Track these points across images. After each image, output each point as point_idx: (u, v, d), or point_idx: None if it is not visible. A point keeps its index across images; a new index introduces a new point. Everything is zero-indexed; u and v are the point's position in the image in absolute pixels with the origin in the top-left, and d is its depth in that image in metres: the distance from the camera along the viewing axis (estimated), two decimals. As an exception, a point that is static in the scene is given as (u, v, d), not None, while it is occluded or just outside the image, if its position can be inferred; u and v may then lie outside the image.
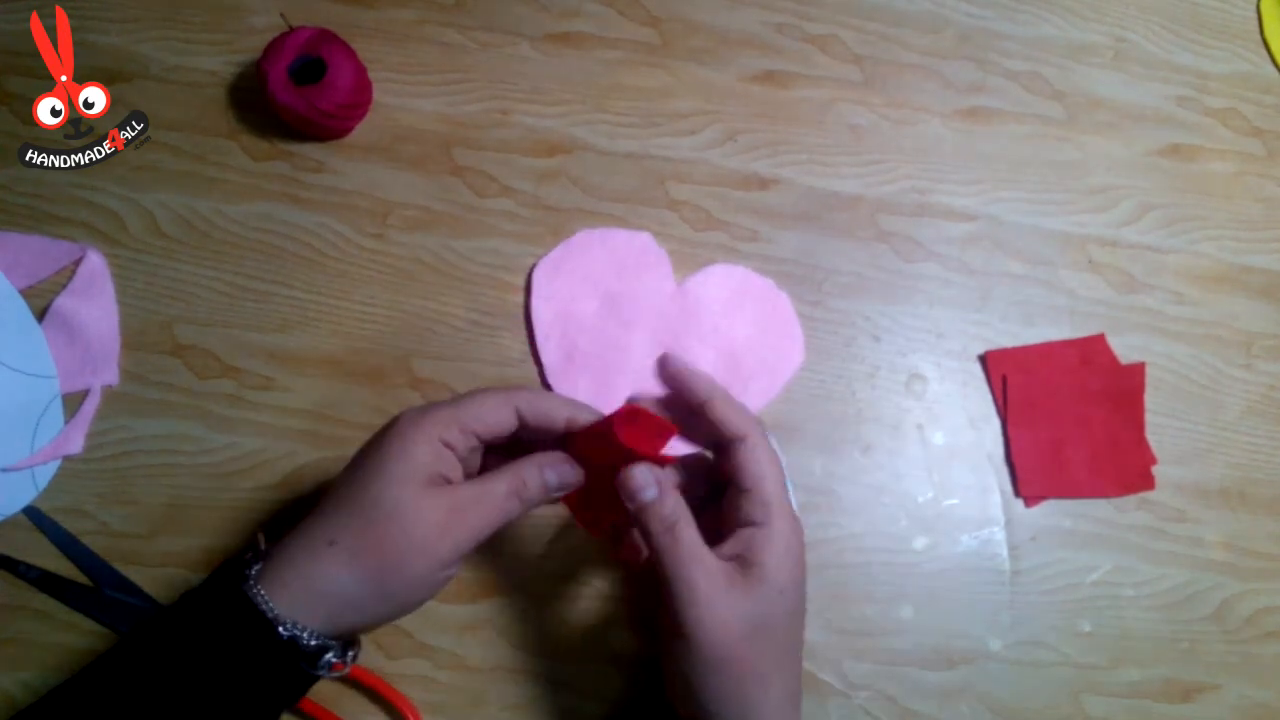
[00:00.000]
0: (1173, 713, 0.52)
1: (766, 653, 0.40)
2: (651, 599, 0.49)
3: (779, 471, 0.43)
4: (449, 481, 0.40)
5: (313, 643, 0.38)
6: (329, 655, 0.39)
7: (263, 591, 0.38)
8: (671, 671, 0.42)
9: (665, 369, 0.43)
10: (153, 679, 0.38)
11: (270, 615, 0.38)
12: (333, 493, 0.40)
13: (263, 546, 0.41)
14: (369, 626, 0.41)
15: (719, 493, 0.45)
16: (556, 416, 0.42)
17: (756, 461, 0.42)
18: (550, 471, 0.42)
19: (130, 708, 0.37)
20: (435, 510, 0.39)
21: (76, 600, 0.49)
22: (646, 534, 0.41)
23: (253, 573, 0.39)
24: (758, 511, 0.41)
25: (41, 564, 0.49)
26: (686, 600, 0.39)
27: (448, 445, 0.40)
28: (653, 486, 0.41)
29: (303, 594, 0.38)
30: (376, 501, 0.38)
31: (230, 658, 0.38)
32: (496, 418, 0.42)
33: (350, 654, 0.41)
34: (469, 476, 0.42)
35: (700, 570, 0.40)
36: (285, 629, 0.38)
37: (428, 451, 0.39)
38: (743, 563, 0.41)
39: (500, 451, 0.44)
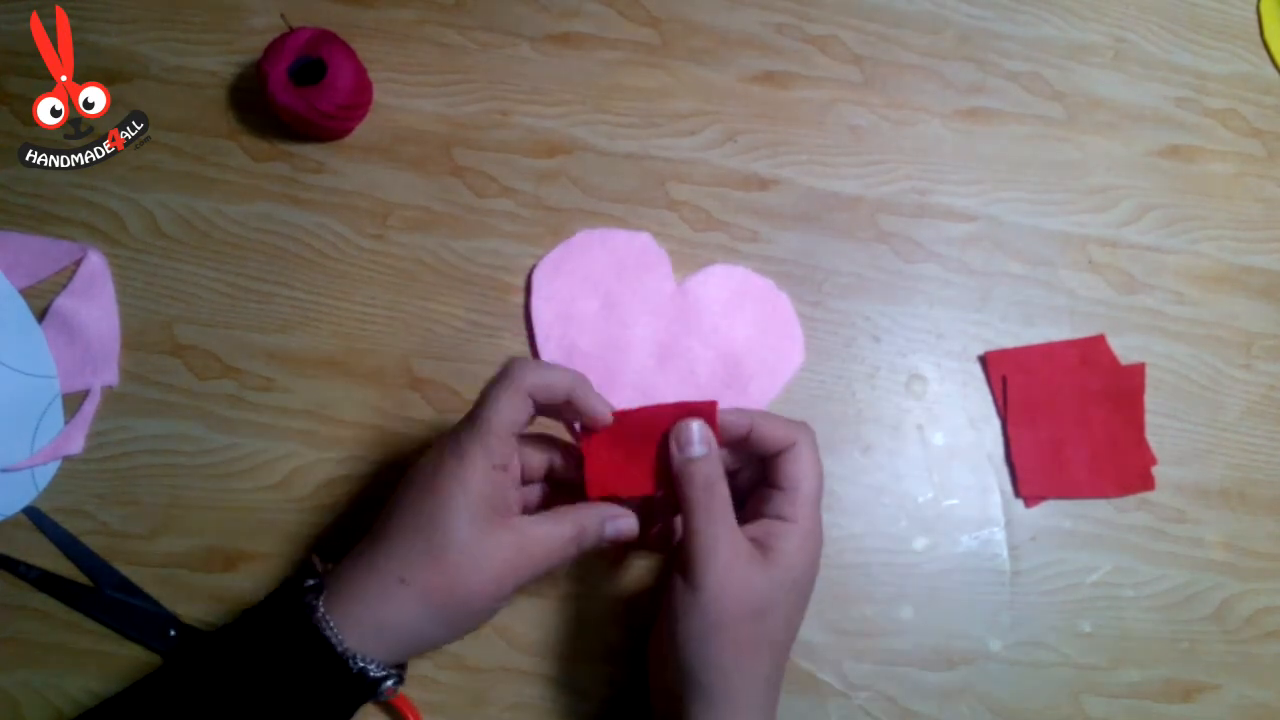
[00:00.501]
0: (1173, 713, 0.52)
1: (764, 633, 0.42)
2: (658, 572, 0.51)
3: (819, 479, 0.44)
4: (509, 507, 0.42)
5: (379, 674, 0.40)
6: (389, 683, 0.41)
7: (333, 624, 0.39)
8: (667, 633, 0.42)
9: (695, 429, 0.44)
10: (216, 704, 0.39)
11: (341, 649, 0.39)
12: (396, 524, 0.41)
13: (319, 569, 0.42)
14: (427, 650, 0.43)
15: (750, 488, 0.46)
16: (559, 390, 0.42)
17: (803, 466, 0.43)
18: (611, 525, 0.43)
19: None
20: (503, 549, 0.40)
21: (77, 600, 0.49)
22: (684, 488, 0.42)
23: (319, 604, 0.40)
24: (788, 509, 0.43)
25: (41, 564, 0.49)
26: (708, 557, 0.41)
27: (506, 469, 0.41)
28: (702, 444, 0.42)
29: (373, 629, 0.39)
30: (447, 540, 0.39)
31: (300, 687, 0.39)
32: (536, 459, 0.44)
33: (400, 674, 0.42)
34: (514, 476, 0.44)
35: (726, 533, 0.41)
36: (354, 663, 0.39)
37: (488, 480, 0.40)
38: (762, 546, 0.42)
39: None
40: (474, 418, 0.41)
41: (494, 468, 0.40)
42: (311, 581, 0.41)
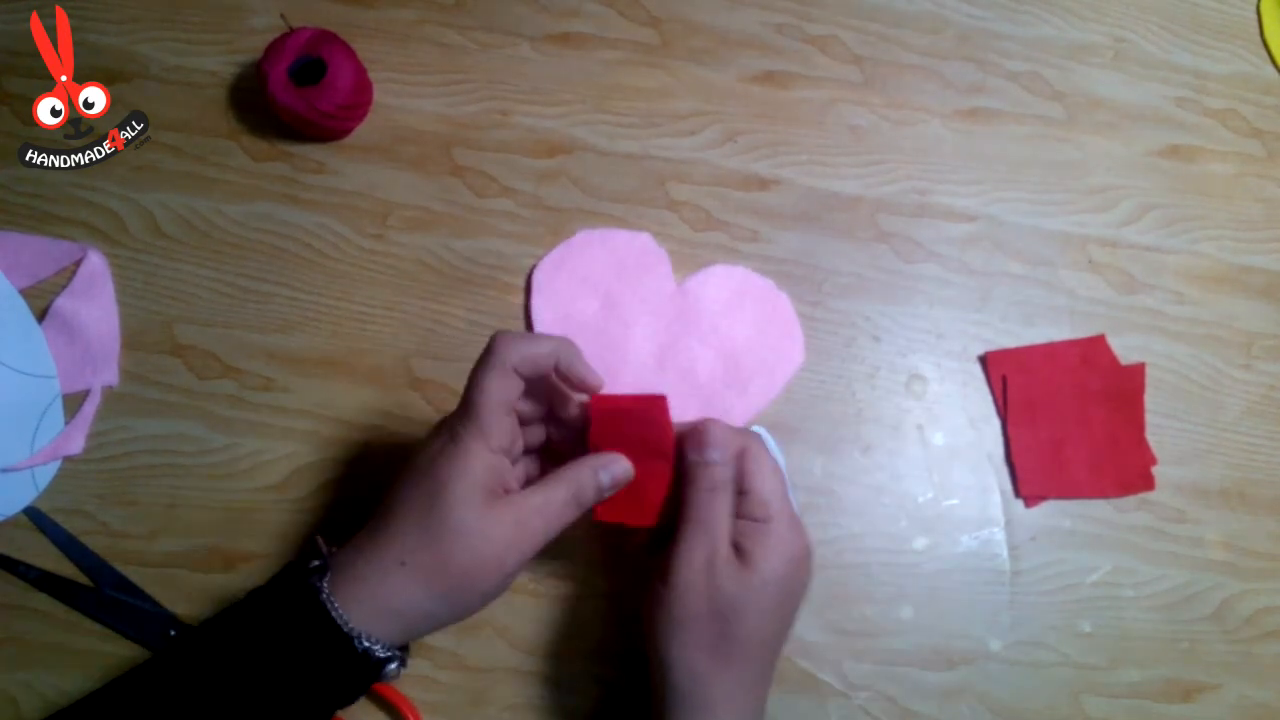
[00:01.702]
0: (1173, 713, 0.52)
1: (732, 637, 0.42)
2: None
3: (778, 477, 0.44)
4: (506, 489, 0.42)
5: (384, 655, 0.40)
6: (393, 665, 0.41)
7: (338, 605, 0.39)
8: (647, 622, 0.44)
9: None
10: (224, 680, 0.39)
11: (347, 629, 0.39)
12: (396, 509, 0.41)
13: (324, 551, 0.42)
14: (435, 630, 0.43)
15: None
16: (543, 361, 0.43)
17: (757, 467, 0.44)
18: (604, 473, 0.43)
19: (193, 707, 0.39)
20: (501, 526, 0.40)
21: (76, 600, 0.49)
22: (691, 482, 0.43)
23: (324, 585, 0.40)
24: (758, 510, 0.43)
25: (41, 564, 0.49)
26: (685, 556, 0.42)
27: (503, 450, 0.42)
28: (720, 450, 0.43)
29: (375, 611, 0.40)
30: (444, 523, 0.40)
31: (307, 667, 0.39)
32: (504, 394, 0.43)
33: (405, 657, 0.42)
34: (515, 456, 0.44)
35: (711, 536, 0.42)
36: (360, 643, 0.39)
37: (484, 464, 0.41)
38: (737, 549, 0.43)
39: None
40: (465, 402, 0.42)
41: (490, 451, 0.41)
42: (316, 563, 0.41)
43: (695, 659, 0.42)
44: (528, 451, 0.46)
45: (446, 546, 0.40)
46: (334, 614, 0.39)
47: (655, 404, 0.43)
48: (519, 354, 0.41)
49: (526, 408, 0.44)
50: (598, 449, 0.44)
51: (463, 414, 0.41)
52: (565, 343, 0.43)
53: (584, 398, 0.45)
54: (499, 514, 0.40)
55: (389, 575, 0.40)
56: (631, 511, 0.45)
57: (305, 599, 0.40)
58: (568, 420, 0.45)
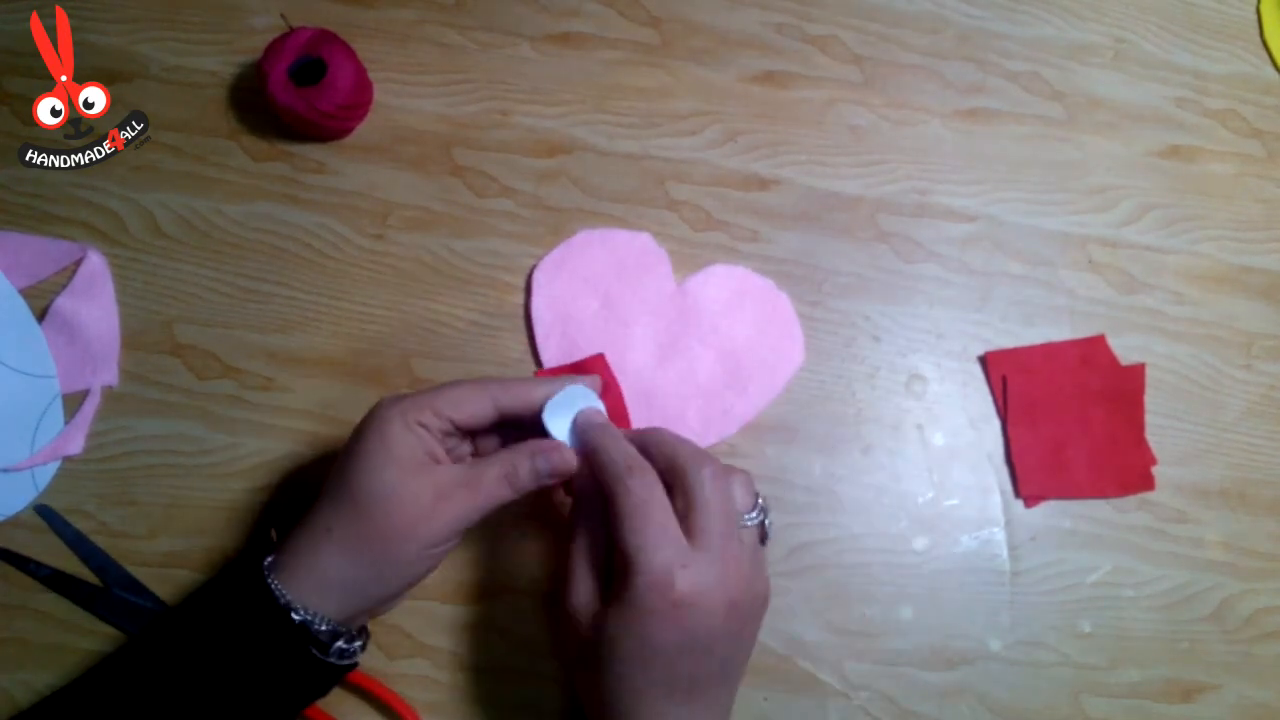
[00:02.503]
0: (1173, 713, 0.52)
1: (631, 673, 0.39)
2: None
3: (722, 503, 0.40)
4: (434, 458, 0.42)
5: (324, 628, 0.40)
6: (340, 643, 0.40)
7: (275, 581, 0.40)
8: (593, 662, 0.42)
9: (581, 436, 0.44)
10: (171, 668, 0.39)
11: (283, 601, 0.39)
12: (327, 482, 0.42)
13: (274, 540, 0.42)
14: (374, 608, 0.42)
15: None
16: (533, 400, 0.43)
17: (699, 490, 0.40)
18: (542, 459, 0.42)
19: (149, 698, 0.39)
20: (420, 495, 0.40)
21: (85, 599, 0.49)
22: (612, 494, 0.40)
23: (267, 563, 0.40)
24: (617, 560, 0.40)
25: (51, 563, 0.49)
26: (574, 581, 0.41)
27: (423, 426, 0.41)
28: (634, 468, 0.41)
29: (309, 582, 0.40)
30: (362, 488, 0.40)
31: (247, 646, 0.39)
32: (473, 408, 0.43)
33: (359, 643, 0.42)
34: (457, 462, 0.44)
35: (589, 558, 0.41)
36: (298, 614, 0.39)
37: (407, 435, 0.41)
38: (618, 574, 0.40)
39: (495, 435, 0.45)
40: (430, 387, 0.43)
41: (413, 423, 0.41)
42: (264, 549, 0.42)
43: (597, 687, 0.40)
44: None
45: (364, 511, 0.40)
46: (272, 587, 0.39)
47: (594, 362, 0.43)
48: (512, 397, 0.43)
49: (471, 410, 0.43)
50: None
51: (415, 393, 0.42)
52: (556, 384, 0.44)
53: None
54: (419, 482, 0.40)
55: (319, 545, 0.40)
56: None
57: (249, 579, 0.40)
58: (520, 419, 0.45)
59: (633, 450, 0.41)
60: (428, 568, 0.42)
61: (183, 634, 0.40)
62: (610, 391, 0.44)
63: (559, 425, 0.43)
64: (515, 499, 0.42)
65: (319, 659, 0.40)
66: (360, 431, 0.42)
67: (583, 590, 0.41)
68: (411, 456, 0.41)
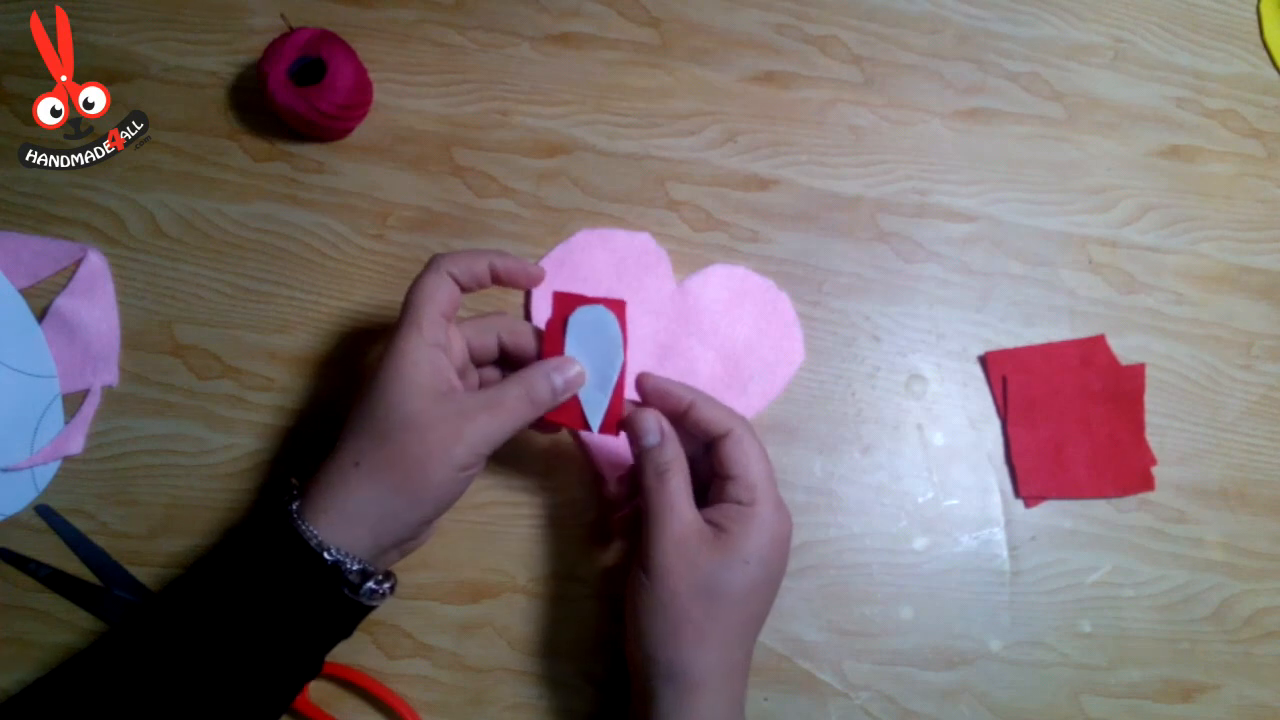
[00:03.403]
0: (1173, 713, 0.52)
1: (714, 615, 0.42)
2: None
3: (765, 462, 0.45)
4: (452, 385, 0.42)
5: (355, 568, 0.40)
6: (370, 583, 0.41)
7: (305, 523, 0.40)
8: (630, 614, 0.44)
9: (644, 386, 0.46)
10: (203, 617, 0.40)
11: (314, 543, 0.40)
12: (350, 418, 0.43)
13: (295, 486, 0.43)
14: (406, 540, 0.43)
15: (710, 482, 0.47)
16: (529, 344, 0.46)
17: (743, 452, 0.44)
18: (557, 375, 0.44)
19: (181, 647, 0.39)
20: (445, 417, 0.41)
21: (85, 599, 0.49)
22: (640, 475, 0.44)
23: (295, 507, 0.41)
24: (744, 494, 0.44)
25: (50, 563, 0.49)
26: (657, 540, 0.42)
27: (441, 348, 0.43)
28: (655, 433, 0.44)
29: (340, 517, 0.40)
30: (388, 417, 0.41)
31: (279, 590, 0.40)
32: (482, 340, 0.45)
33: (389, 584, 0.43)
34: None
35: (675, 517, 0.43)
36: (330, 554, 0.40)
37: (428, 361, 0.42)
38: (717, 529, 0.43)
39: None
40: (403, 306, 0.43)
41: (429, 347, 0.42)
42: (288, 496, 0.42)
43: (684, 637, 0.42)
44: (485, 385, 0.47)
45: (393, 439, 0.40)
46: (301, 529, 0.40)
47: (615, 305, 0.44)
48: (456, 263, 0.43)
49: (473, 336, 0.45)
50: (553, 351, 0.45)
51: (400, 318, 0.43)
52: (499, 252, 0.45)
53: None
54: (442, 406, 0.41)
55: (347, 479, 0.41)
56: (578, 417, 0.45)
57: (277, 521, 0.41)
58: (520, 355, 0.46)
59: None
60: (458, 491, 0.43)
61: (213, 582, 0.41)
62: (595, 300, 0.45)
63: (580, 354, 0.45)
64: (536, 416, 0.43)
65: (349, 598, 0.41)
66: (384, 364, 0.42)
67: (691, 523, 0.43)
68: (436, 384, 0.41)
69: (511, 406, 0.42)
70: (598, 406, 0.45)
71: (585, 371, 0.45)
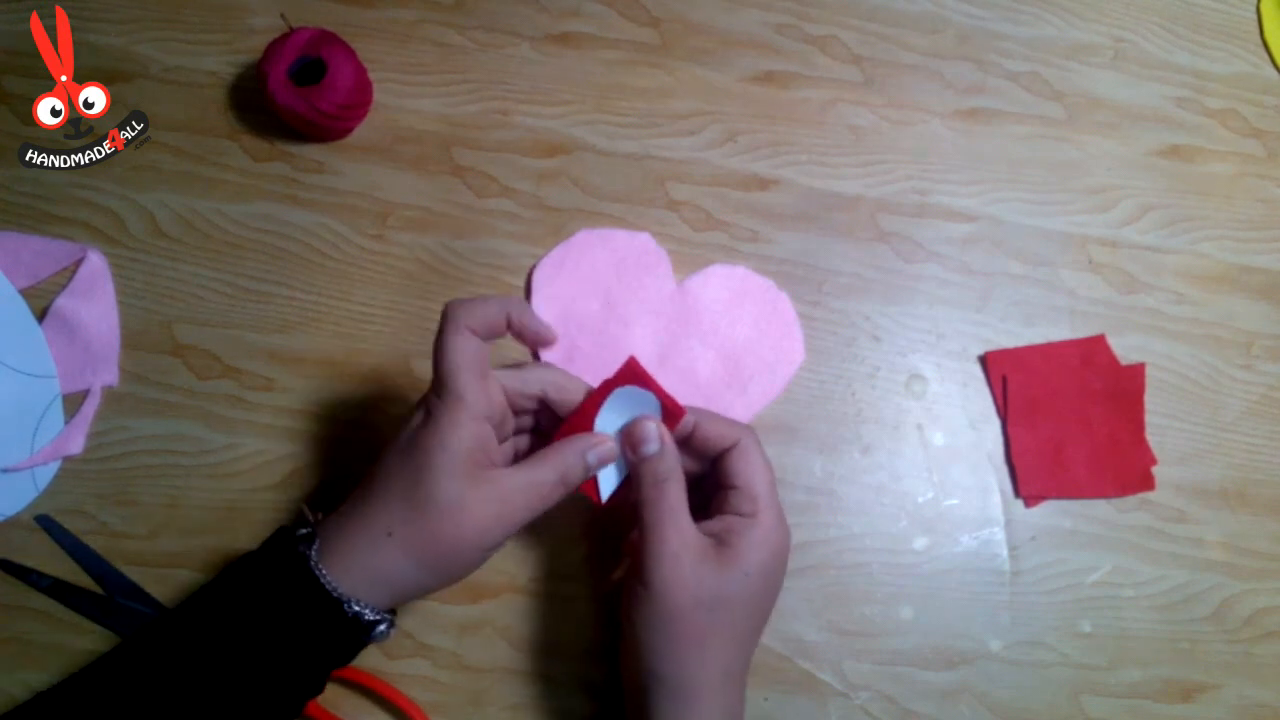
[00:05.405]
0: (1173, 713, 0.52)
1: (714, 627, 0.42)
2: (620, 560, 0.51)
3: (769, 473, 0.45)
4: (491, 460, 0.42)
5: (374, 617, 0.41)
6: (381, 627, 0.42)
7: (327, 573, 0.40)
8: (627, 626, 0.44)
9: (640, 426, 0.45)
10: (217, 648, 0.40)
11: (336, 594, 0.40)
12: (382, 481, 0.42)
13: (310, 519, 0.43)
14: (423, 596, 0.45)
15: (711, 493, 0.46)
16: (575, 403, 0.45)
17: (748, 463, 0.44)
18: (592, 454, 0.44)
19: (183, 674, 0.39)
20: (485, 503, 0.41)
21: (88, 608, 0.49)
22: (638, 486, 0.44)
23: (313, 553, 0.41)
24: (745, 505, 0.44)
25: (49, 569, 0.49)
26: (656, 553, 0.42)
27: (484, 419, 0.42)
28: (655, 442, 0.44)
29: (364, 578, 0.41)
30: (430, 497, 0.40)
31: (299, 632, 0.40)
32: (525, 391, 0.44)
33: (391, 618, 0.43)
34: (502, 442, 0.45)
35: (674, 529, 0.42)
36: (350, 607, 0.40)
37: (466, 433, 0.41)
38: (719, 541, 0.43)
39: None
40: (435, 375, 0.42)
41: (472, 420, 0.41)
42: (304, 531, 0.42)
43: (684, 649, 0.42)
44: (519, 432, 0.47)
45: (432, 520, 0.40)
46: (323, 580, 0.40)
47: (673, 409, 0.44)
48: (470, 315, 0.42)
49: (518, 389, 0.44)
50: (591, 408, 0.44)
51: (436, 386, 0.42)
52: (513, 299, 0.44)
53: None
54: (483, 491, 0.41)
55: (378, 546, 0.41)
56: (590, 484, 0.45)
57: (294, 566, 0.41)
58: (562, 409, 0.45)
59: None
60: (483, 563, 0.43)
61: (231, 612, 0.41)
62: (656, 392, 0.44)
63: (611, 422, 0.45)
64: (566, 496, 0.43)
65: (361, 639, 0.42)
66: (417, 431, 0.42)
67: (689, 535, 0.42)
68: (474, 459, 0.41)
69: (547, 493, 0.42)
70: (611, 479, 0.45)
71: (615, 449, 0.44)
